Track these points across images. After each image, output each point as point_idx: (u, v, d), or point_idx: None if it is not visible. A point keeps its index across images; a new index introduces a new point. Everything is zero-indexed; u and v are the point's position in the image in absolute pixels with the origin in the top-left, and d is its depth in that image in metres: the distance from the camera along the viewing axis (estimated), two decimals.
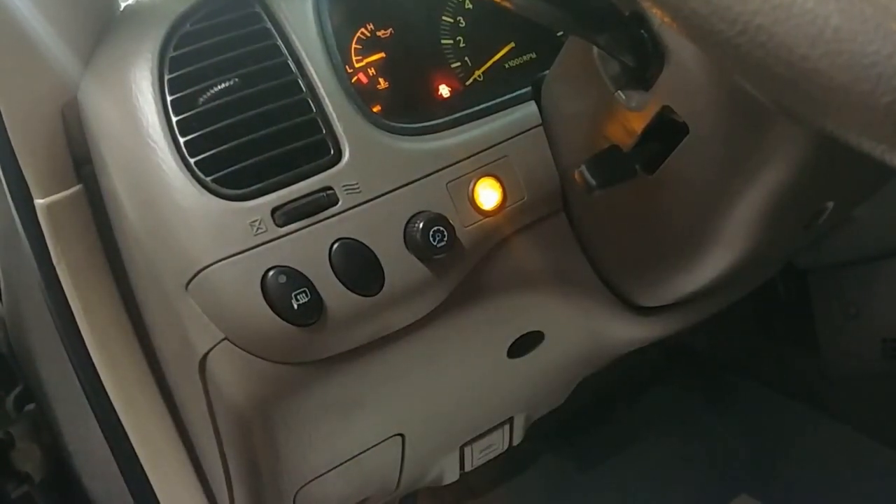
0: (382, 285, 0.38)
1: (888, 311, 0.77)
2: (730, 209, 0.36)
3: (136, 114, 0.37)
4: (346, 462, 0.46)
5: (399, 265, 0.39)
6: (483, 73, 0.47)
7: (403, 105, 0.44)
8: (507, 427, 0.58)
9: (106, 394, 0.48)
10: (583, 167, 0.34)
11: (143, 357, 0.48)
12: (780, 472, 0.88)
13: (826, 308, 0.81)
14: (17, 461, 0.52)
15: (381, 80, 0.45)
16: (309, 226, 0.37)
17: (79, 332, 0.46)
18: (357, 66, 0.45)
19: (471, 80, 0.47)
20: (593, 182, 0.34)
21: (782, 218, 0.36)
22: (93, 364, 0.47)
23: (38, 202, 0.42)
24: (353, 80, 0.43)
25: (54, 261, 0.44)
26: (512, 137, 0.42)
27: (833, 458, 0.85)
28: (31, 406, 0.55)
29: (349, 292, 0.37)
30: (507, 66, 0.48)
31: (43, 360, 0.52)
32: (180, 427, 0.50)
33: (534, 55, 0.48)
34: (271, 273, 0.36)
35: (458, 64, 0.47)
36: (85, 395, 0.48)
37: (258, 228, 0.36)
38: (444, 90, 0.46)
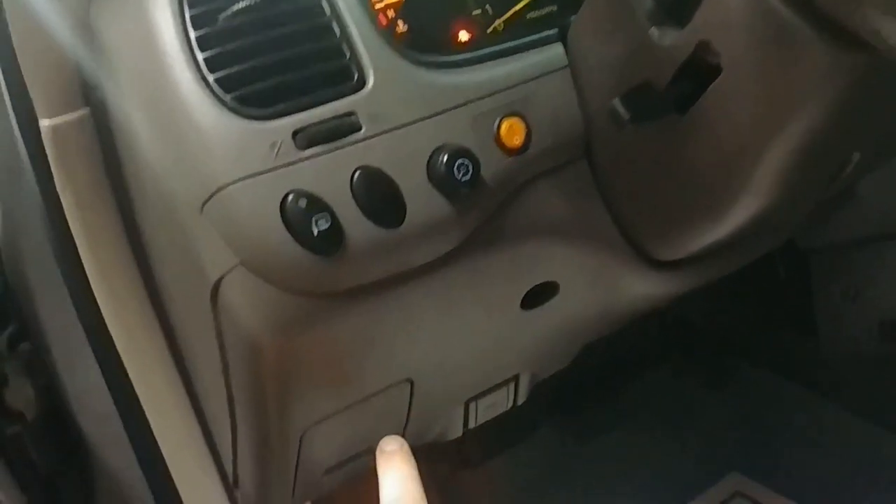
0: (404, 218, 0.37)
1: (887, 293, 0.77)
2: (760, 153, 0.36)
3: (153, 28, 0.36)
4: (354, 405, 0.45)
5: (421, 198, 0.38)
6: (504, 22, 0.47)
7: (425, 44, 0.43)
8: (512, 385, 0.57)
9: (107, 331, 0.46)
10: (616, 100, 0.34)
11: (146, 294, 0.46)
12: (772, 451, 0.89)
13: (826, 289, 0.81)
14: (10, 399, 0.51)
15: (399, 22, 0.44)
16: (331, 151, 0.36)
17: (80, 263, 0.44)
18: (376, 7, 0.44)
19: (491, 29, 0.46)
20: (626, 115, 0.33)
21: (811, 164, 0.36)
22: (94, 299, 0.45)
23: (44, 123, 0.41)
24: None
25: (58, 187, 0.42)
26: (538, 77, 0.41)
27: (827, 438, 0.85)
28: (24, 345, 0.53)
29: (370, 223, 0.36)
30: (528, 17, 0.47)
31: (40, 296, 0.50)
32: (181, 369, 0.49)
33: (554, 8, 0.47)
34: (291, 196, 0.35)
35: (479, 11, 0.46)
36: (84, 333, 0.47)
37: (279, 150, 0.35)
38: (464, 35, 0.45)
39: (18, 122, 0.41)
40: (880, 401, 0.81)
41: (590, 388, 0.94)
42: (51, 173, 0.42)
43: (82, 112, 0.41)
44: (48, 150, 0.41)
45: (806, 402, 0.88)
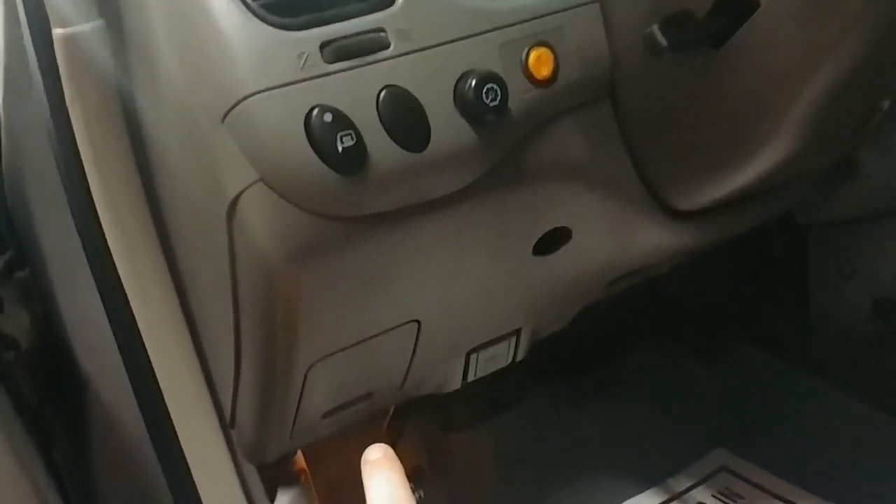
0: (428, 142, 0.37)
1: (883, 271, 0.78)
2: (794, 91, 0.35)
3: None
4: (361, 342, 0.45)
5: (446, 123, 0.37)
6: None
7: None
8: (513, 339, 0.57)
9: (110, 259, 0.45)
10: (654, 27, 0.33)
11: (151, 222, 0.45)
12: (760, 428, 0.89)
13: (822, 266, 0.82)
14: (4, 325, 0.49)
15: None
16: (358, 67, 0.35)
17: (86, 182, 0.43)
18: None
19: None
20: (664, 43, 0.33)
21: (843, 106, 0.36)
22: (98, 222, 0.44)
23: (57, 32, 0.40)
24: None
25: (67, 100, 0.41)
26: (568, 10, 0.41)
27: (816, 416, 0.86)
28: (21, 273, 0.52)
29: (394, 144, 0.36)
30: None
31: (42, 220, 0.49)
32: (185, 304, 0.47)
33: None
34: (316, 111, 0.34)
35: None
36: (86, 259, 0.46)
37: (306, 62, 0.34)
38: None
39: (31, 32, 0.40)
40: (872, 380, 0.82)
41: (580, 359, 0.95)
42: (61, 86, 0.40)
43: (96, 23, 0.40)
44: (60, 62, 0.40)
45: (796, 380, 0.89)
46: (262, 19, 0.34)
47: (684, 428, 0.93)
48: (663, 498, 0.84)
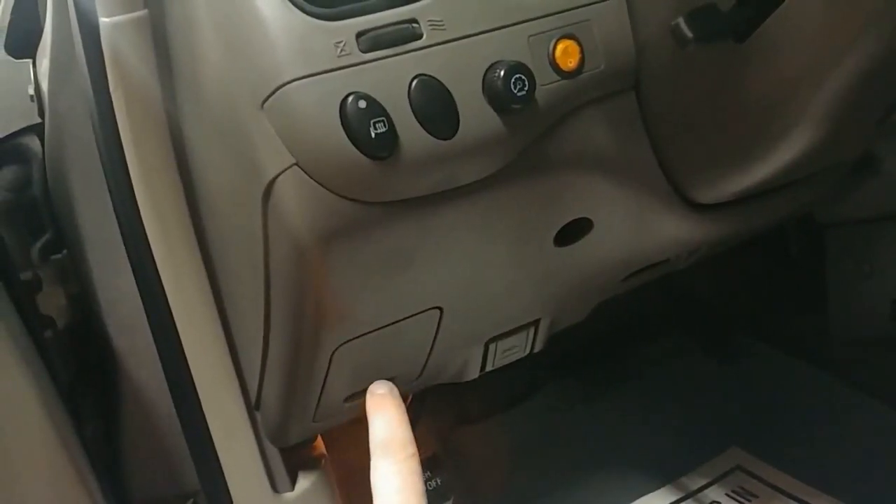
0: (457, 130, 0.38)
1: None
2: (817, 83, 0.36)
3: None
4: (385, 327, 0.46)
5: (475, 112, 0.38)
6: None
7: None
8: (532, 330, 0.58)
9: (146, 240, 0.47)
10: (680, 19, 0.34)
11: (186, 205, 0.47)
12: (776, 428, 0.89)
13: (840, 266, 0.82)
14: (42, 305, 0.51)
15: None
16: (392, 56, 0.37)
17: (126, 166, 0.45)
18: None
19: None
20: (690, 34, 0.34)
21: (863, 102, 0.37)
22: (136, 205, 0.46)
23: (104, 20, 0.41)
24: None
25: (110, 87, 0.43)
26: (595, 3, 0.42)
27: (831, 416, 0.86)
28: (57, 256, 0.54)
29: (424, 132, 0.37)
30: None
31: (81, 202, 0.51)
32: (215, 288, 0.49)
33: None
34: (351, 98, 0.35)
35: None
36: (123, 241, 0.47)
37: (342, 50, 0.36)
38: None
39: (79, 20, 0.41)
40: (889, 381, 0.82)
41: (595, 355, 0.95)
42: (105, 72, 0.42)
43: (141, 13, 0.41)
44: (105, 49, 0.41)
45: (813, 379, 0.89)
46: (302, 9, 0.36)
47: (699, 426, 0.93)
48: (677, 496, 0.84)
